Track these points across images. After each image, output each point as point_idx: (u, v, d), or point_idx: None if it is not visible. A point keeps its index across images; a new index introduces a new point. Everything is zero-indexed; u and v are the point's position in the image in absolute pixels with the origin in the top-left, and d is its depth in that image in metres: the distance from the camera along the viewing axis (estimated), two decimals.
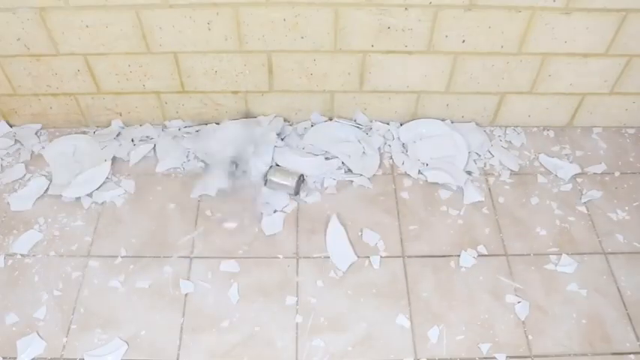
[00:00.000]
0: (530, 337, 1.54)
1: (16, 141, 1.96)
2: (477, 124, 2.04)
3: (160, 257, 1.68)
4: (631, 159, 1.98)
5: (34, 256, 1.68)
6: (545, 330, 1.55)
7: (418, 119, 2.02)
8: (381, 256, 1.69)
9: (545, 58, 1.82)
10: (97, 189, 1.83)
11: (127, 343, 1.50)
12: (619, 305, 1.60)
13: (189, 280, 1.63)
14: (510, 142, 2.02)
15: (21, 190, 1.82)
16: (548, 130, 2.07)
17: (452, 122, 2.02)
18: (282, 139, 1.95)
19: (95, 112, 1.97)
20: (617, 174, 1.93)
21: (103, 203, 1.81)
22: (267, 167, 1.83)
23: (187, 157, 1.92)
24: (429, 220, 1.79)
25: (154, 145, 1.95)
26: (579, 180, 1.91)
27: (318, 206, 1.81)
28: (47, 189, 1.82)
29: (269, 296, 1.60)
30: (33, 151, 1.94)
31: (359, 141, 1.96)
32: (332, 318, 1.56)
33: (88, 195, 1.81)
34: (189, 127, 2.01)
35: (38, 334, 1.52)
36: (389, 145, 1.98)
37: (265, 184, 1.80)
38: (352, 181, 1.87)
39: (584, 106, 2.00)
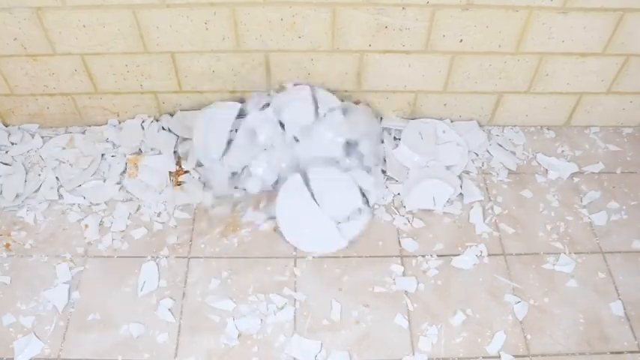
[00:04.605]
0: (528, 336, 1.54)
1: (12, 143, 1.95)
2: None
3: (157, 257, 1.68)
4: (628, 158, 1.98)
5: (30, 256, 1.68)
6: (543, 329, 1.55)
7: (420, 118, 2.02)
8: (379, 256, 1.69)
9: (542, 57, 1.82)
10: (95, 188, 1.83)
11: (124, 343, 1.50)
12: (617, 304, 1.60)
13: (188, 280, 1.63)
14: (508, 141, 2.02)
15: (19, 189, 1.81)
16: (545, 129, 2.07)
17: (451, 121, 2.02)
18: None
19: (92, 112, 1.97)
20: (614, 173, 1.93)
21: (102, 203, 1.81)
22: None
23: None
24: (427, 220, 1.78)
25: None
26: (577, 179, 1.91)
27: None
28: (41, 188, 1.82)
29: (267, 295, 1.60)
30: (30, 152, 1.93)
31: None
32: (330, 317, 1.56)
33: (85, 194, 1.81)
34: None
35: (35, 334, 1.51)
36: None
37: None
38: None
39: (581, 106, 2.01)
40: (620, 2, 1.66)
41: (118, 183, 1.84)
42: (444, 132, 1.96)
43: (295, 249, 1.70)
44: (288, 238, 1.71)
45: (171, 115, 1.98)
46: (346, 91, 1.93)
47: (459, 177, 1.87)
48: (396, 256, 1.69)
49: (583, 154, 1.99)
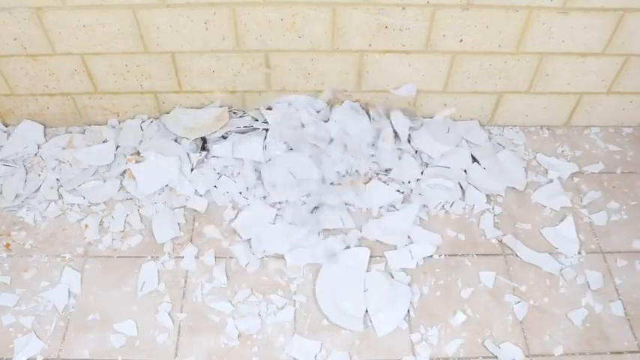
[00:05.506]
0: (528, 336, 1.54)
1: (12, 142, 1.95)
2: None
3: (156, 257, 1.68)
4: (628, 158, 1.98)
5: (30, 256, 1.68)
6: (543, 329, 1.55)
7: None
8: (378, 257, 1.69)
9: (542, 57, 1.82)
10: (95, 188, 1.83)
11: (124, 343, 1.50)
12: (617, 304, 1.60)
13: (187, 280, 1.63)
14: (508, 141, 2.02)
15: (19, 189, 1.81)
16: (545, 129, 2.07)
17: (454, 121, 2.02)
18: None
19: (92, 112, 1.97)
20: (614, 173, 1.93)
21: (102, 203, 1.80)
22: None
23: None
24: (427, 221, 1.78)
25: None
26: (577, 179, 1.91)
27: None
28: (41, 188, 1.82)
29: (267, 296, 1.60)
30: (29, 151, 1.93)
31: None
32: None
33: (85, 194, 1.81)
34: None
35: (35, 334, 1.51)
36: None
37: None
38: None
39: (581, 106, 2.00)
40: (620, 2, 1.66)
41: (118, 183, 1.84)
42: (447, 132, 1.96)
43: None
44: None
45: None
46: (346, 91, 1.93)
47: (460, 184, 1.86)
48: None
49: (583, 154, 1.99)
